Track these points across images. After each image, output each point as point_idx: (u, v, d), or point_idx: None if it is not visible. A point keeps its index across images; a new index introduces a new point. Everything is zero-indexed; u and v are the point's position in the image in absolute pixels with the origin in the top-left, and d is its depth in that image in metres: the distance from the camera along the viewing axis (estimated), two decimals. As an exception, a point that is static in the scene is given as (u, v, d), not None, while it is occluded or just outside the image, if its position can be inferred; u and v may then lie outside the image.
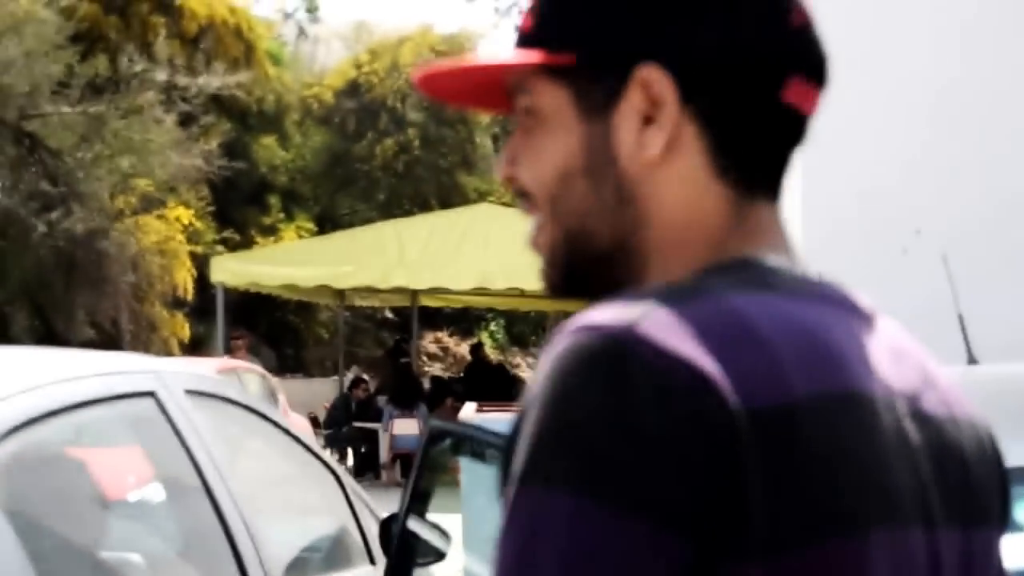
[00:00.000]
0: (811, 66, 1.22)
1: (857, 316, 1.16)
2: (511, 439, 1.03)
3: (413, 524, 3.06)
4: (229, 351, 16.66)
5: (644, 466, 0.96)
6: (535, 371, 1.04)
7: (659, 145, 1.16)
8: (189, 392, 3.59)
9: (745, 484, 0.98)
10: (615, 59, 1.18)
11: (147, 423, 3.45)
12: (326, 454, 4.82)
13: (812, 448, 1.01)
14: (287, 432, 4.49)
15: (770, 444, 0.99)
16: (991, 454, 1.22)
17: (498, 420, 10.17)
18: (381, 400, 18.96)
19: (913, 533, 1.08)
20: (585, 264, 1.22)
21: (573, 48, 1.19)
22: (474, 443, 3.00)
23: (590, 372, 0.99)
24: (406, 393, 18.18)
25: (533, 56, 1.21)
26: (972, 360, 4.77)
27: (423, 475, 3.02)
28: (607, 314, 1.03)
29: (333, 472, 4.76)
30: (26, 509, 2.87)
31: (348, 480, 4.88)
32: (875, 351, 1.13)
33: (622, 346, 1.00)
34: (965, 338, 4.95)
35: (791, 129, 1.21)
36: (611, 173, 1.19)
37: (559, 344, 1.02)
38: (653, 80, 1.16)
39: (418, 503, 3.03)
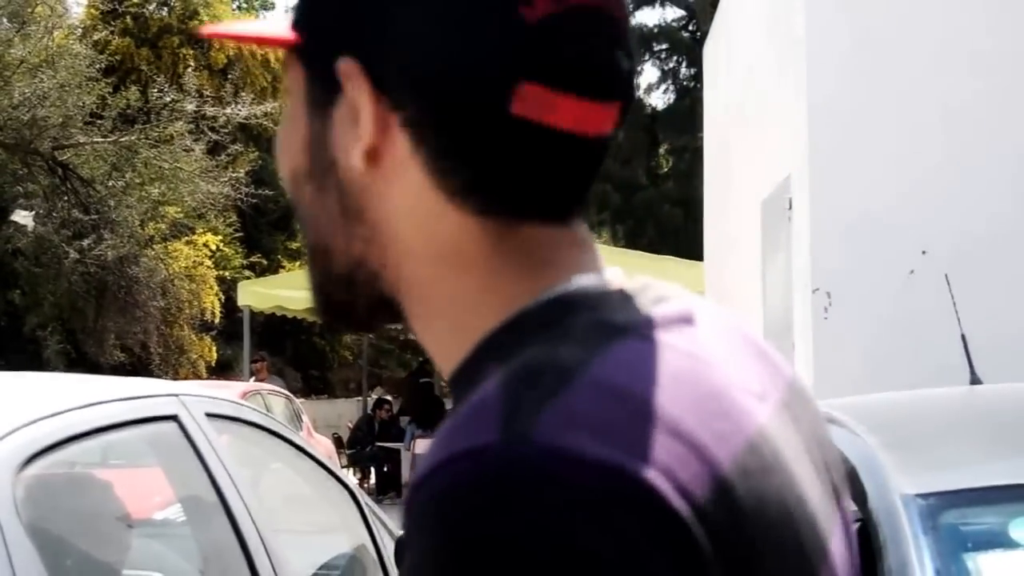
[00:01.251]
0: (563, 72, 0.93)
1: (705, 327, 0.98)
2: None
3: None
4: (250, 374, 16.71)
5: None
6: (408, 530, 0.81)
7: (357, 154, 0.96)
8: (210, 415, 3.61)
9: None
10: (320, 45, 0.98)
11: (169, 446, 3.47)
12: (344, 473, 4.83)
13: (748, 521, 0.84)
14: (306, 452, 4.51)
15: (720, 536, 0.81)
16: (822, 416, 1.10)
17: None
18: (403, 420, 19.01)
19: (833, 543, 0.98)
20: (332, 285, 1.03)
21: (302, 28, 1.01)
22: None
23: (500, 507, 0.77)
24: (428, 413, 18.24)
25: (264, 31, 1.07)
26: (975, 380, 4.77)
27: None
28: (480, 429, 0.81)
29: (350, 491, 4.78)
30: (52, 529, 2.89)
31: (365, 499, 4.89)
32: (740, 366, 0.97)
33: (527, 463, 0.78)
34: (968, 358, 4.94)
35: (549, 147, 0.94)
36: (332, 180, 0.99)
37: (441, 482, 0.79)
38: (350, 76, 0.96)
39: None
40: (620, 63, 0.96)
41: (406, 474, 17.73)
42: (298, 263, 26.05)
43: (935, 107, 7.46)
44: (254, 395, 13.08)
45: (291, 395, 15.39)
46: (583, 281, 0.96)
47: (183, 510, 3.88)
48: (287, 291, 17.66)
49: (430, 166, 0.94)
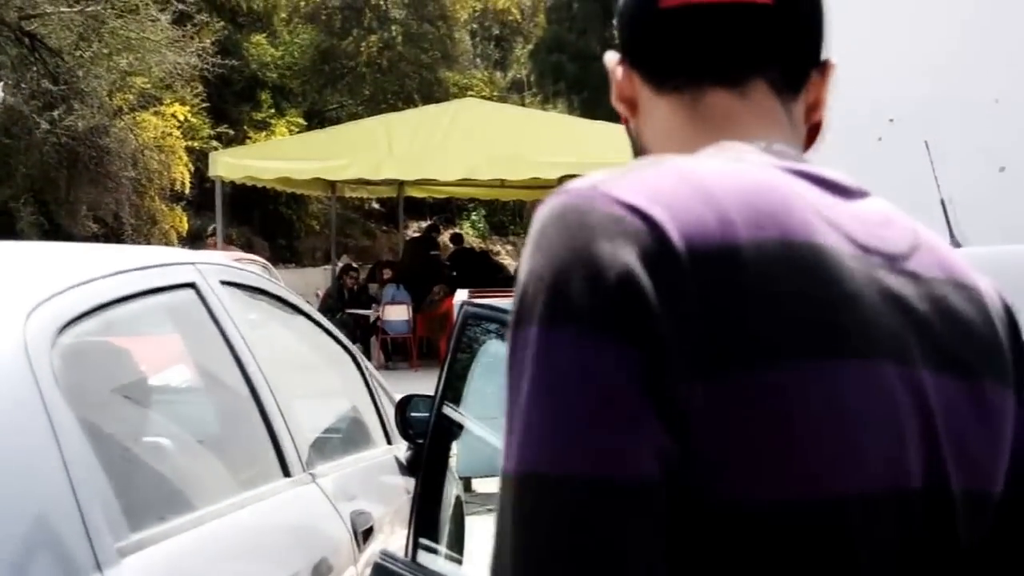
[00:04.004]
0: None
1: (827, 187, 1.21)
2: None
3: (447, 409, 3.04)
4: (228, 242, 16.60)
5: (601, 295, 1.05)
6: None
7: (616, 102, 1.38)
8: (225, 283, 3.57)
9: (686, 312, 1.05)
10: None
11: (188, 313, 3.43)
12: (347, 339, 4.82)
13: (751, 284, 1.08)
14: (312, 319, 4.48)
15: (709, 279, 1.07)
16: (1001, 319, 1.26)
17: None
18: (372, 288, 19.03)
19: (881, 365, 1.12)
20: None
21: None
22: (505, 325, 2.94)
23: (559, 223, 1.10)
24: (425, 280, 18.46)
25: None
26: (955, 244, 4.78)
27: (457, 358, 2.99)
28: (582, 180, 1.14)
29: (353, 356, 4.76)
30: (85, 395, 2.86)
31: (366, 363, 4.88)
32: (840, 214, 1.18)
33: (585, 201, 1.11)
34: (948, 222, 4.95)
35: (701, 20, 1.28)
36: (634, 145, 1.39)
37: (543, 207, 1.13)
38: (610, 61, 1.39)
39: (453, 385, 3.01)
40: None
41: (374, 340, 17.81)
42: (264, 133, 25.78)
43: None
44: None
45: (268, 264, 15.29)
46: (740, 139, 1.25)
47: (202, 376, 3.86)
48: (258, 161, 17.52)
49: (644, 79, 1.34)
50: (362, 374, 4.74)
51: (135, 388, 3.48)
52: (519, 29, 36.90)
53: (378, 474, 4.33)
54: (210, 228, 18.25)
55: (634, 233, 1.07)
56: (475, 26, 35.10)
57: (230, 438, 3.71)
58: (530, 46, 35.46)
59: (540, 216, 1.13)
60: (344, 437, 4.36)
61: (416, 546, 2.95)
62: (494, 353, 3.54)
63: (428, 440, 3.03)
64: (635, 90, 1.35)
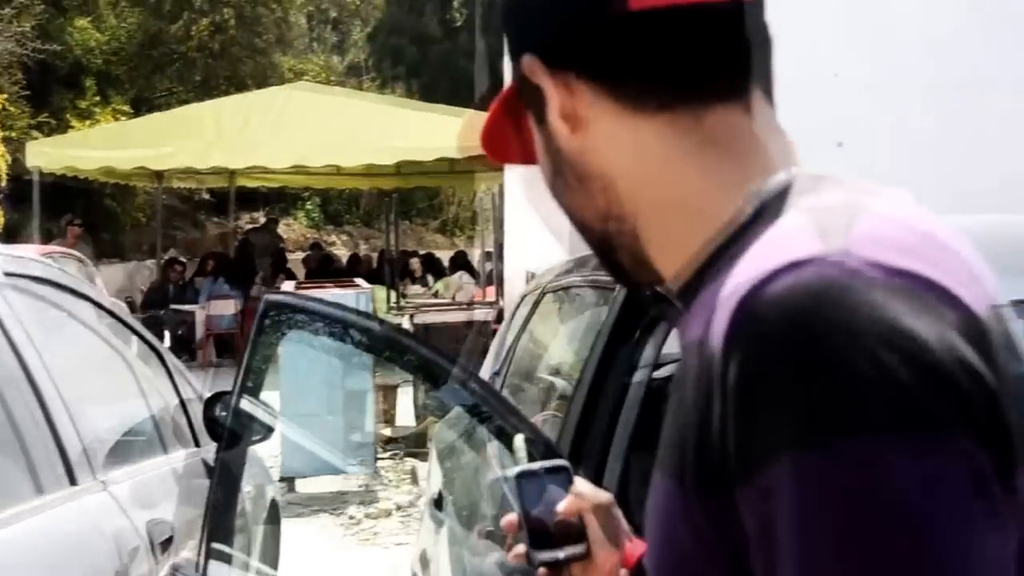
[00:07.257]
0: None
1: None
2: (749, 407, 0.92)
3: (245, 404, 2.88)
4: (49, 238, 16.13)
5: (942, 387, 0.90)
6: (745, 318, 0.94)
7: (556, 119, 1.15)
8: (9, 275, 3.37)
9: (1005, 390, 0.94)
10: (516, 61, 1.18)
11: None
12: (150, 335, 4.62)
13: (1014, 339, 1.01)
14: (111, 313, 4.29)
15: (999, 346, 0.96)
16: None
17: (324, 294, 10.12)
18: (198, 281, 18.72)
19: None
20: (605, 249, 1.20)
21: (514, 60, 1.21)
22: (311, 316, 2.79)
23: (839, 306, 0.91)
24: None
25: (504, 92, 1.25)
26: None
27: (257, 350, 2.81)
28: (806, 243, 0.96)
29: (157, 352, 4.58)
30: None
31: (172, 360, 4.70)
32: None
33: (852, 273, 0.93)
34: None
35: (683, 25, 1.09)
36: (563, 163, 1.17)
37: (772, 292, 0.93)
38: (529, 66, 1.16)
39: (251, 381, 2.85)
40: None
41: (199, 333, 17.34)
42: (88, 123, 25.12)
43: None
44: (46, 258, 12.55)
45: (85, 258, 14.84)
46: (797, 171, 1.10)
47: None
48: (79, 150, 17.03)
49: (608, 94, 1.11)
50: (168, 373, 4.55)
51: None
52: (357, 11, 36.63)
53: (183, 478, 4.15)
54: (64, 219, 17.71)
55: (940, 309, 0.93)
56: (311, 8, 34.73)
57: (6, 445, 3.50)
58: (368, 29, 35.21)
59: (792, 301, 0.92)
60: (145, 440, 4.18)
61: (208, 556, 2.79)
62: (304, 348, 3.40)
63: (223, 439, 2.87)
64: (580, 105, 1.14)
